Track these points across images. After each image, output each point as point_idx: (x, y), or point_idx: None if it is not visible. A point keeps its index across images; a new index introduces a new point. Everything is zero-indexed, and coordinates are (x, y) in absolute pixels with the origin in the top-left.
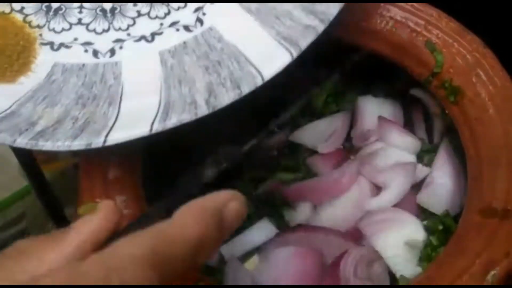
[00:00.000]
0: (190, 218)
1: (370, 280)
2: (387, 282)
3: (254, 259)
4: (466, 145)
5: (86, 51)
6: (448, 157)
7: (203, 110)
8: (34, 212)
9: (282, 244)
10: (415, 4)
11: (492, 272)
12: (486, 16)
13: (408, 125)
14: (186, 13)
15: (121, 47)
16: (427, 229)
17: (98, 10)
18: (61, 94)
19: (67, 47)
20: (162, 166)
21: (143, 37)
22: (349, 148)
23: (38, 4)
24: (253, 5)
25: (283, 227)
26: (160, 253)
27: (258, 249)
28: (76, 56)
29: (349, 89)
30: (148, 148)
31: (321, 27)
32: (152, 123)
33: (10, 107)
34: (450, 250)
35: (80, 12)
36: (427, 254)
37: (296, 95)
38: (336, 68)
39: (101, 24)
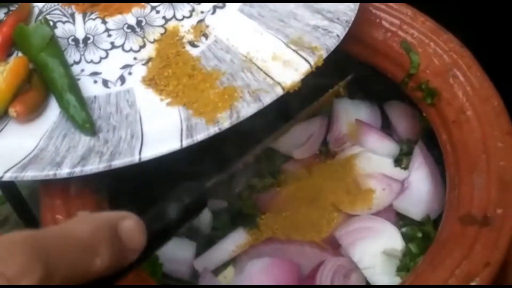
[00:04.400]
0: (81, 220)
1: None
2: None
3: (229, 270)
4: (444, 149)
5: (95, 82)
6: (424, 160)
7: (226, 125)
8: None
9: (257, 256)
10: (390, 3)
11: (472, 284)
12: (462, 14)
13: (386, 127)
14: (189, 28)
15: (130, 73)
16: (406, 236)
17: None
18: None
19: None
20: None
21: (150, 59)
22: (326, 153)
23: None
24: (254, 10)
25: (259, 238)
26: (41, 240)
27: (233, 261)
28: (86, 88)
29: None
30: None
31: (336, 29)
32: (181, 139)
33: (32, 150)
34: (429, 260)
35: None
36: (405, 264)
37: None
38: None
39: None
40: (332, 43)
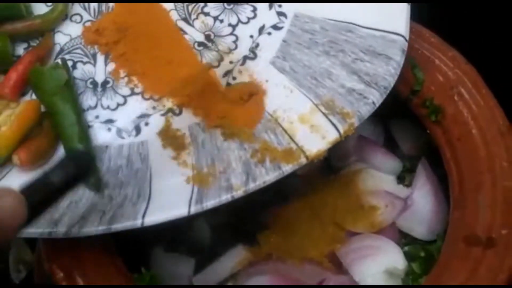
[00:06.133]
0: None
1: None
2: None
3: None
4: (448, 167)
5: (109, 130)
6: (427, 177)
7: (239, 193)
8: None
9: (257, 273)
10: None
11: None
12: (467, 30)
13: (389, 143)
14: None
15: (146, 124)
16: (408, 255)
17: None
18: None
19: (88, 126)
20: None
21: (170, 110)
22: (329, 169)
23: None
24: (287, 64)
25: (259, 255)
26: None
27: (232, 278)
28: (98, 136)
29: None
30: None
31: (373, 95)
32: (189, 205)
33: None
34: (432, 281)
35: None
36: (407, 284)
37: None
38: None
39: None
40: (366, 110)
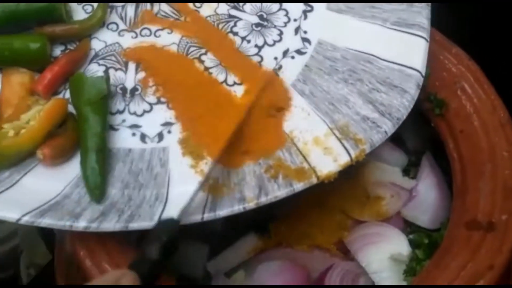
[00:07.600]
0: None
1: None
2: None
3: (241, 274)
4: (452, 157)
5: (133, 134)
6: (431, 170)
7: (251, 205)
8: (26, 229)
9: (268, 260)
10: None
11: (477, 285)
12: (471, 29)
13: (395, 137)
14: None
15: (169, 132)
16: (413, 242)
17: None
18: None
19: (114, 129)
20: None
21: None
22: None
23: None
24: (307, 88)
25: (269, 242)
26: None
27: (244, 264)
28: (123, 140)
29: None
30: None
31: (385, 124)
32: (203, 212)
33: (56, 196)
34: (435, 263)
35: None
36: (411, 268)
37: None
38: None
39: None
40: (378, 138)
